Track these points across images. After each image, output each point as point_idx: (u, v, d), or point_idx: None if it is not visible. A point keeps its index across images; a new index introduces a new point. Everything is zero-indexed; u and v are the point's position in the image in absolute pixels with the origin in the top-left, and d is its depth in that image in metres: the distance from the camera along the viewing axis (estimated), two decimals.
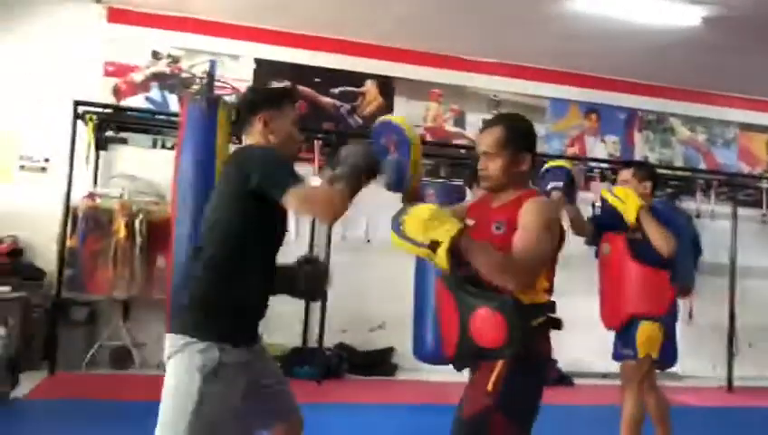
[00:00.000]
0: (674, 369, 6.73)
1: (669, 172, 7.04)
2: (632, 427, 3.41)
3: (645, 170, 3.57)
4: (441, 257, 1.72)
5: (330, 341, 5.97)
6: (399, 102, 6.65)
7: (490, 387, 1.81)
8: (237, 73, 6.21)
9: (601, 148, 7.14)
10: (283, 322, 6.04)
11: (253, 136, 2.02)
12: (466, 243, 1.76)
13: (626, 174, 3.57)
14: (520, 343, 1.80)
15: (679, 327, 6.79)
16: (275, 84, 2.27)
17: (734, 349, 6.38)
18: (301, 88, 6.38)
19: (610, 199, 3.38)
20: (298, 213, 1.81)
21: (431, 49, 6.63)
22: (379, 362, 6.07)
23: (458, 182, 5.66)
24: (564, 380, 6.06)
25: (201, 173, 4.53)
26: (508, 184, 2.00)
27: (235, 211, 1.88)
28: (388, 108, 6.59)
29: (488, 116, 6.86)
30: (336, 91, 6.49)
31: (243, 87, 6.13)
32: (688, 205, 6.73)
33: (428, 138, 6.60)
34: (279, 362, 5.65)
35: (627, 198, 3.33)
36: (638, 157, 7.14)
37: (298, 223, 6.14)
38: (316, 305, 5.78)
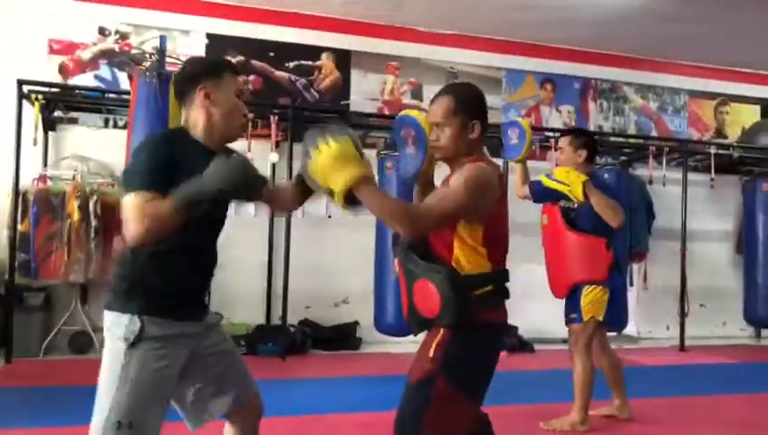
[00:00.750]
0: (630, 331, 7.01)
1: (622, 140, 7.20)
2: (583, 388, 3.53)
3: (580, 139, 3.61)
4: (337, 203, 1.73)
5: (294, 317, 5.97)
6: (356, 76, 6.60)
7: (431, 353, 1.87)
8: (189, 49, 6.05)
9: (557, 117, 7.23)
10: (246, 299, 6.02)
11: (194, 110, 1.92)
12: (363, 191, 1.72)
13: (563, 141, 3.65)
14: (455, 313, 1.84)
15: (634, 290, 7.05)
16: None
17: (685, 310, 6.61)
18: (255, 63, 6.27)
19: (554, 185, 3.44)
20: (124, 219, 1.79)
21: (387, 21, 6.57)
22: (343, 337, 6.11)
23: None
24: (525, 346, 6.20)
25: None
26: (459, 153, 1.99)
27: None
28: (344, 81, 6.53)
29: None
30: (291, 65, 6.40)
31: None
32: (642, 171, 6.90)
33: (386, 111, 6.58)
34: (243, 340, 5.72)
35: (568, 179, 3.40)
36: (592, 126, 7.26)
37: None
38: (279, 282, 5.75)
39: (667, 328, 7.13)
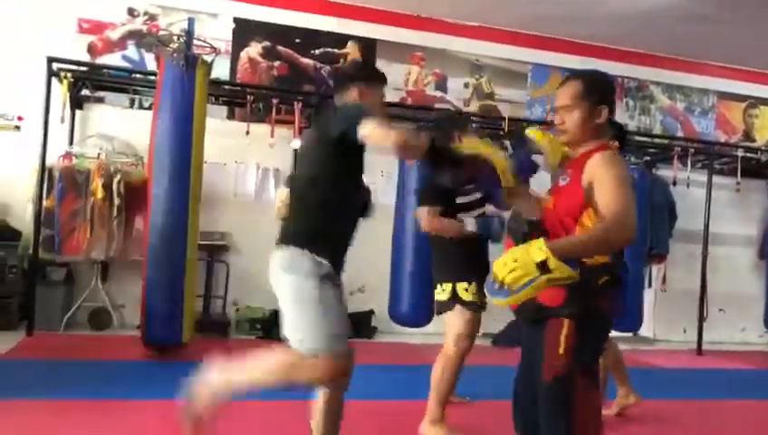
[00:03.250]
0: (645, 332, 6.95)
1: (647, 140, 7.11)
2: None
3: (612, 130, 3.52)
4: (557, 266, 1.69)
5: None
6: (381, 65, 6.56)
7: (561, 349, 1.89)
8: (216, 32, 6.09)
9: None
10: (264, 284, 6.04)
11: (346, 99, 2.35)
12: (558, 248, 1.72)
13: None
14: (580, 302, 1.87)
15: (652, 292, 6.97)
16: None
17: (704, 314, 6.54)
18: (281, 48, 6.29)
19: None
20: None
21: (414, 11, 6.55)
22: (358, 325, 6.13)
23: None
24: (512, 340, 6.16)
25: (179, 133, 4.48)
26: (585, 137, 2.01)
27: (332, 163, 2.26)
28: None
29: (470, 80, 6.85)
30: (317, 52, 6.41)
31: (221, 47, 6.04)
32: (666, 172, 6.81)
33: (409, 101, 6.57)
34: (260, 325, 5.76)
35: None
36: None
37: (277, 186, 6.12)
38: None
39: (684, 331, 7.06)
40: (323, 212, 2.27)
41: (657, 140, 7.15)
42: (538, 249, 1.69)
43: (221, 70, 6.02)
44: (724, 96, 7.66)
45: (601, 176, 1.88)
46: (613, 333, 5.50)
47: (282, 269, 2.28)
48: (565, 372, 1.88)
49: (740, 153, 6.86)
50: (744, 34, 6.51)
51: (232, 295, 5.98)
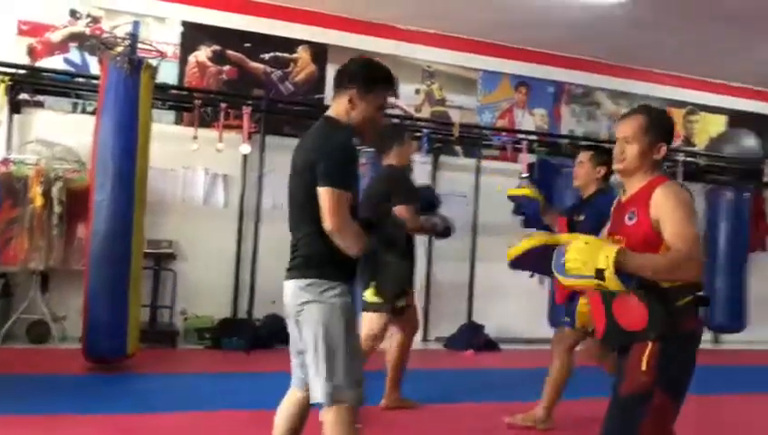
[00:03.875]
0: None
1: (594, 145, 7.26)
2: (555, 386, 3.62)
3: (602, 157, 3.66)
4: (611, 281, 1.79)
5: (261, 312, 5.92)
6: (332, 70, 6.48)
7: (644, 367, 1.94)
8: (163, 36, 5.96)
9: (530, 120, 7.29)
10: (212, 292, 5.95)
11: (337, 106, 2.23)
12: (629, 260, 1.83)
13: (584, 156, 3.73)
14: (662, 324, 1.93)
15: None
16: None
17: None
18: (230, 53, 6.20)
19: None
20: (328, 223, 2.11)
21: (365, 17, 6.55)
22: (277, 333, 6.03)
23: None
24: (491, 345, 6.23)
25: (122, 138, 4.36)
26: (641, 170, 2.11)
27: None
28: (320, 75, 6.49)
29: (422, 87, 6.89)
30: (267, 56, 6.34)
31: (169, 51, 5.92)
32: (613, 178, 6.96)
33: None
34: (207, 334, 5.65)
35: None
36: (564, 130, 7.33)
37: (227, 192, 6.03)
38: (246, 276, 5.70)
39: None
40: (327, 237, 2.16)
41: (603, 146, 7.31)
42: (605, 257, 1.80)
43: (169, 74, 5.89)
44: (666, 102, 7.89)
45: (666, 210, 1.99)
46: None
47: (305, 301, 2.17)
48: (645, 390, 1.94)
49: (681, 157, 7.09)
50: (684, 42, 6.73)
51: (180, 305, 5.84)
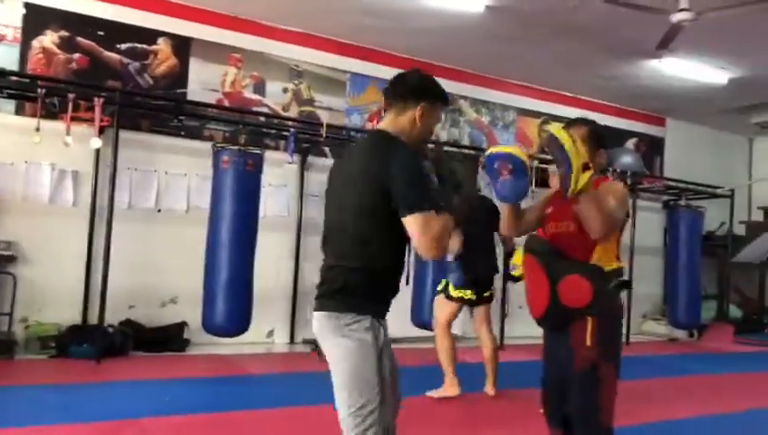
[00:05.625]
0: (455, 331, 7.31)
1: (456, 150, 7.55)
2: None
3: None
4: (585, 178, 2.10)
5: (115, 317, 5.56)
6: (195, 64, 6.30)
7: (588, 343, 2.23)
8: (3, 18, 5.44)
9: None
10: (59, 297, 5.50)
11: (399, 119, 2.07)
12: (591, 193, 2.16)
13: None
14: (603, 302, 2.24)
15: None
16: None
17: (505, 311, 7.08)
18: (81, 40, 5.77)
19: None
20: (416, 241, 1.91)
21: (231, 11, 6.36)
22: (169, 339, 5.78)
23: (256, 150, 5.53)
24: None
25: None
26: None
27: (379, 219, 1.97)
28: (182, 69, 6.22)
29: (289, 85, 6.80)
30: (123, 47, 5.96)
31: (9, 34, 5.40)
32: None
33: (226, 103, 6.37)
34: (53, 342, 5.20)
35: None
36: None
37: (76, 189, 5.60)
38: (98, 280, 5.31)
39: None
40: (381, 264, 2.00)
41: (465, 151, 7.61)
42: (583, 161, 2.12)
43: (7, 59, 5.38)
44: (523, 112, 8.40)
45: (611, 192, 2.33)
46: (422, 332, 5.76)
47: (335, 335, 1.99)
48: (592, 363, 2.23)
49: (535, 164, 7.53)
50: (538, 55, 7.19)
51: (20, 311, 5.33)
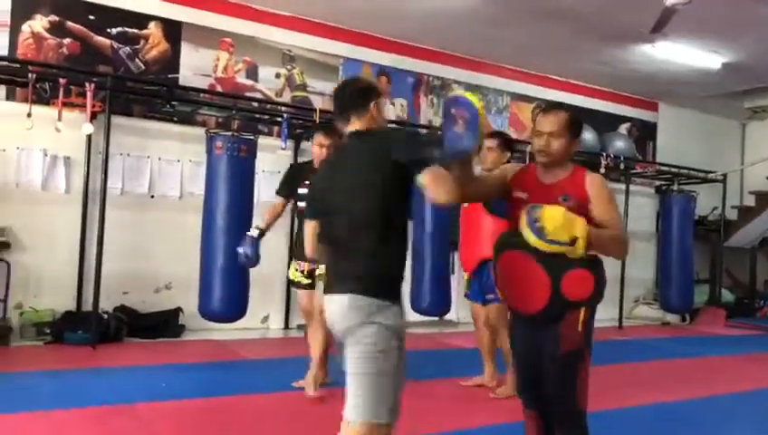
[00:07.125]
0: (450, 316, 7.37)
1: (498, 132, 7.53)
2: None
3: (508, 144, 4.22)
4: (580, 247, 2.17)
5: (110, 303, 5.56)
6: (187, 49, 6.25)
7: (579, 329, 2.30)
8: None
9: (390, 110, 7.42)
10: (54, 284, 5.49)
11: (364, 122, 2.25)
12: (592, 231, 2.21)
13: (492, 142, 4.09)
14: (598, 295, 2.32)
15: (455, 279, 7.41)
16: None
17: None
18: (71, 24, 5.71)
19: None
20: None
21: None
22: (163, 325, 5.79)
23: (250, 136, 5.50)
24: None
25: None
26: (563, 160, 2.38)
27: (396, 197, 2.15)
28: (174, 54, 6.17)
29: (282, 70, 6.76)
30: (114, 31, 5.91)
31: None
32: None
33: (218, 88, 6.33)
34: (47, 329, 5.21)
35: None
36: (422, 120, 7.55)
37: (68, 175, 5.57)
38: (92, 266, 5.30)
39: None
40: (398, 249, 2.18)
41: (505, 134, 7.58)
42: (581, 227, 2.17)
43: None
44: (516, 97, 8.39)
45: (602, 197, 2.34)
46: (421, 317, 5.79)
47: (361, 322, 2.06)
48: (578, 348, 2.31)
49: (528, 148, 7.54)
50: (530, 39, 7.17)
51: (15, 298, 5.32)
